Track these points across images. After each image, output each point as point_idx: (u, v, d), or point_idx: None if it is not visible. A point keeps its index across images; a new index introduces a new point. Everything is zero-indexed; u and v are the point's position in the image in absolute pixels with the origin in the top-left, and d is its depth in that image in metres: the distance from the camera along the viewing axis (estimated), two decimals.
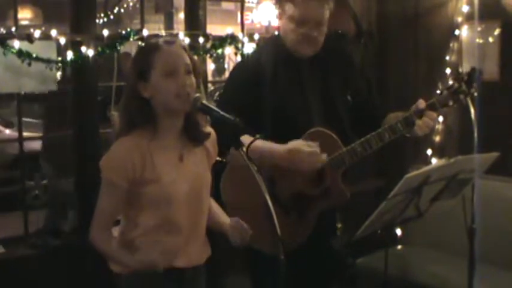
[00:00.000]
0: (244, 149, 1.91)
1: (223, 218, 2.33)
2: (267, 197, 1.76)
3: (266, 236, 2.38)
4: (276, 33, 2.83)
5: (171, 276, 2.12)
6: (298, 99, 2.66)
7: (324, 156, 2.50)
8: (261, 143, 2.48)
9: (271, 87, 2.59)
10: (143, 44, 3.09)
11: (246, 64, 2.87)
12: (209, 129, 2.22)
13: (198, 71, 2.14)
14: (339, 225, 4.39)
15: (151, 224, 2.11)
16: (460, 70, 4.23)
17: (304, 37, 2.60)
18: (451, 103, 2.58)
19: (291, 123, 2.60)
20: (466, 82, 2.56)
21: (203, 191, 2.22)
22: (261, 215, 2.31)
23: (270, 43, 2.81)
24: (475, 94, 2.55)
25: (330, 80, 2.73)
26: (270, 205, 1.75)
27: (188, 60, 2.09)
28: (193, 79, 2.08)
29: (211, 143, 2.26)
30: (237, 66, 2.90)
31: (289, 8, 2.61)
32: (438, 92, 2.65)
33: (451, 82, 2.64)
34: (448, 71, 4.35)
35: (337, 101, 2.72)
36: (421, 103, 2.58)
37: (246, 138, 1.99)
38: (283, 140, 2.55)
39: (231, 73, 2.85)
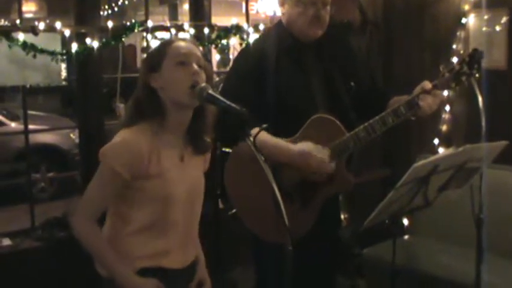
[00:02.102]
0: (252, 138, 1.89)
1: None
2: (275, 187, 1.74)
3: (271, 227, 2.37)
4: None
5: (156, 275, 2.08)
6: (302, 86, 2.67)
7: (332, 165, 2.51)
8: (268, 138, 2.47)
9: (274, 75, 2.59)
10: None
11: (249, 52, 2.86)
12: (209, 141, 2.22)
13: (210, 75, 2.12)
14: (345, 216, 4.40)
15: (146, 221, 2.06)
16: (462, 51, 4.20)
17: (314, 18, 2.62)
18: (453, 85, 2.57)
19: (295, 109, 2.60)
20: (467, 63, 2.54)
21: (198, 196, 2.20)
22: (267, 206, 2.29)
23: (273, 31, 2.80)
24: (477, 75, 2.52)
25: (332, 67, 2.73)
26: (278, 195, 1.73)
27: (200, 55, 2.09)
28: (203, 74, 2.06)
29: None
30: (240, 55, 2.89)
31: None
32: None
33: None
34: (454, 59, 4.32)
35: (339, 88, 2.72)
36: (426, 84, 2.58)
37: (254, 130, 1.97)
38: (287, 127, 2.54)
39: (234, 62, 2.85)
